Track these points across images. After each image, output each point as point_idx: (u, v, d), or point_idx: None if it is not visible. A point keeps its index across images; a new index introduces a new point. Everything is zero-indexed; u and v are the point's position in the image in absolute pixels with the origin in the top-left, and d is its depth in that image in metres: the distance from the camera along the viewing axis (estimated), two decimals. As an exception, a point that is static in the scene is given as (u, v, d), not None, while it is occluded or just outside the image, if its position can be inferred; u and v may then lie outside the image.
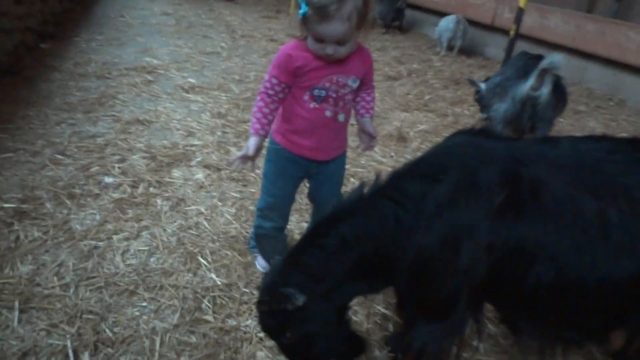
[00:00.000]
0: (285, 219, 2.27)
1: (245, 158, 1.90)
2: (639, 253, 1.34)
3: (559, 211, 1.36)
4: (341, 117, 1.96)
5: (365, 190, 1.52)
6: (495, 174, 1.39)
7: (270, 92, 1.91)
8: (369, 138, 2.05)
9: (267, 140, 2.03)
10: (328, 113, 1.92)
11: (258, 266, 2.29)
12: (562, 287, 1.38)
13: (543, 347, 1.56)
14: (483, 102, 4.43)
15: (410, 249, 1.40)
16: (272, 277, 1.50)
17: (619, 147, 1.51)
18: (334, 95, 1.89)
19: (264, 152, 2.03)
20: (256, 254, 2.32)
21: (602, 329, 1.54)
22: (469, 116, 4.85)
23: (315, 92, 1.87)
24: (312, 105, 1.90)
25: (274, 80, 1.89)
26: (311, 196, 2.26)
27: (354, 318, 2.04)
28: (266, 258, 2.15)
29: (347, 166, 3.31)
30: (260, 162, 2.20)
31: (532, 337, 1.55)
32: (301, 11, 1.72)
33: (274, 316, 1.46)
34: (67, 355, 1.72)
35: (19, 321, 1.82)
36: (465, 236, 1.36)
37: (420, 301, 1.48)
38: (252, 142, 1.89)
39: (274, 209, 2.16)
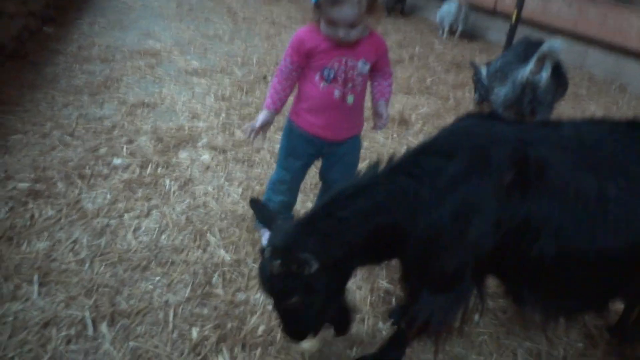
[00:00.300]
0: (294, 196, 2.37)
1: (253, 129, 2.05)
2: (635, 226, 1.44)
3: (562, 188, 1.45)
4: (350, 99, 2.03)
5: (381, 167, 1.59)
6: (504, 154, 1.47)
7: (284, 71, 2.05)
8: (378, 118, 2.13)
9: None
10: (337, 93, 2.01)
11: (264, 242, 2.37)
12: (564, 259, 1.47)
13: (546, 317, 1.65)
14: (480, 85, 4.49)
15: (423, 221, 1.47)
16: (286, 240, 1.51)
17: (617, 127, 1.61)
18: (342, 75, 1.99)
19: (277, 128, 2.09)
20: (264, 231, 2.40)
21: (601, 298, 1.63)
22: (470, 99, 4.90)
23: (325, 72, 1.98)
24: (322, 85, 2.01)
25: (288, 60, 2.03)
26: (322, 175, 2.35)
27: (358, 292, 2.12)
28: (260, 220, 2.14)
29: (350, 148, 3.39)
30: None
31: (535, 308, 1.64)
32: None
33: (285, 279, 1.48)
34: (85, 326, 1.80)
35: (39, 294, 1.90)
36: (475, 211, 1.44)
37: (428, 272, 1.55)
38: (261, 115, 2.06)
39: (284, 182, 2.29)
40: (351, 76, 2.00)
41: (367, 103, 2.15)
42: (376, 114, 2.13)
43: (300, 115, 2.12)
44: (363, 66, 2.00)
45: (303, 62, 2.01)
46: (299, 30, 2.02)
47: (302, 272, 1.44)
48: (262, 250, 1.55)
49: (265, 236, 2.38)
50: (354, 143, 2.24)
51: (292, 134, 2.18)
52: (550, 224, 1.45)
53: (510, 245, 1.48)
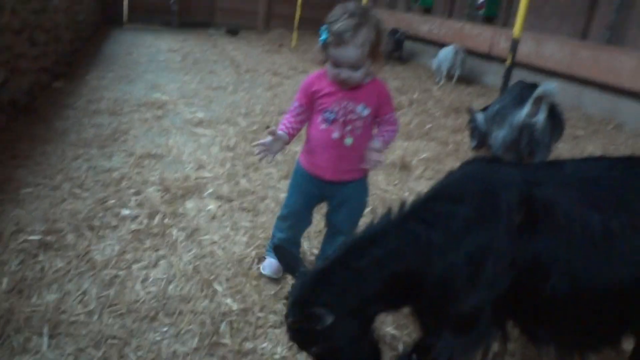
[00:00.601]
0: (295, 235, 2.50)
1: (263, 146, 2.15)
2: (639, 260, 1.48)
3: (569, 226, 1.51)
4: (348, 141, 2.14)
5: (393, 214, 1.65)
6: (512, 195, 1.53)
7: (292, 110, 2.21)
8: (368, 152, 2.14)
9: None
10: (335, 135, 2.14)
11: (262, 269, 2.49)
12: (576, 296, 1.51)
13: (562, 354, 1.66)
14: (477, 131, 4.58)
15: (438, 264, 1.52)
16: (302, 294, 1.57)
17: (616, 164, 1.68)
18: (341, 119, 2.12)
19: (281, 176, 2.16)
20: (266, 257, 2.55)
21: (614, 332, 1.65)
22: (469, 144, 4.99)
23: (326, 114, 2.13)
24: (323, 126, 2.15)
25: (297, 101, 2.20)
26: (327, 219, 2.44)
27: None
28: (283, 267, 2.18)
29: (353, 194, 3.44)
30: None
31: (550, 345, 1.66)
32: (322, 37, 2.00)
33: (302, 333, 1.55)
34: (94, 378, 1.82)
35: (49, 346, 1.92)
36: (489, 253, 1.49)
37: (446, 314, 1.58)
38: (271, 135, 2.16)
39: (287, 219, 2.42)
40: (350, 119, 2.12)
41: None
42: (368, 148, 2.16)
43: (304, 155, 2.30)
44: (362, 110, 2.12)
45: (309, 103, 2.18)
46: (309, 75, 2.22)
47: (316, 327, 1.49)
48: (286, 299, 1.66)
49: (264, 263, 2.51)
50: (358, 187, 2.31)
51: (296, 173, 2.36)
52: (560, 261, 1.50)
53: (522, 284, 1.52)
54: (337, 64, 2.02)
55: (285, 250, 1.81)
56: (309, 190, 2.32)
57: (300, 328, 1.55)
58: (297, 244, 2.56)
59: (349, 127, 2.13)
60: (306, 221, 2.48)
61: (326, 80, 2.13)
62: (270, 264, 2.49)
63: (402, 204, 1.67)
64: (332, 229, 2.42)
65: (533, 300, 1.54)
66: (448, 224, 1.54)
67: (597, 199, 1.54)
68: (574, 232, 1.50)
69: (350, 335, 1.59)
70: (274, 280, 2.46)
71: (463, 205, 1.55)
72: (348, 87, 2.10)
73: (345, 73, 2.01)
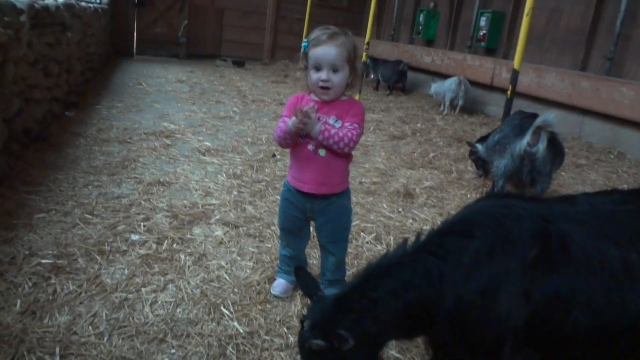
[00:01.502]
0: (296, 251, 2.61)
1: (299, 123, 2.15)
2: None
3: (587, 260, 1.53)
4: (322, 152, 2.26)
5: (408, 246, 1.72)
6: (526, 230, 1.57)
7: (280, 124, 2.30)
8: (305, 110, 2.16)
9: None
10: (310, 147, 2.27)
11: (272, 289, 2.59)
12: (598, 330, 1.52)
13: None
14: (480, 161, 4.68)
15: (450, 298, 1.57)
16: (323, 317, 1.64)
17: (628, 197, 1.73)
18: None
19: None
20: (276, 277, 2.65)
21: None
22: (472, 172, 5.07)
23: None
24: (299, 139, 2.29)
25: (285, 118, 2.30)
26: (317, 239, 2.56)
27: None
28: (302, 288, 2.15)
29: (357, 221, 3.52)
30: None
31: None
32: (303, 45, 2.21)
33: (321, 355, 1.59)
34: (104, 398, 1.86)
35: (60, 367, 1.97)
36: (502, 285, 1.53)
37: (466, 347, 1.63)
38: (290, 121, 2.20)
39: (282, 237, 2.60)
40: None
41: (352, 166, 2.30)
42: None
43: (290, 171, 2.43)
44: (335, 122, 2.25)
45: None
46: (291, 96, 2.41)
47: (341, 348, 1.55)
48: (302, 321, 1.71)
49: (275, 283, 2.61)
50: (340, 205, 2.41)
51: (283, 189, 2.49)
52: (581, 295, 1.51)
53: (544, 319, 1.54)
54: (317, 67, 2.17)
55: (305, 273, 1.90)
56: (293, 212, 2.45)
57: (321, 350, 1.58)
58: (301, 260, 2.65)
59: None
60: (301, 237, 2.58)
61: (306, 99, 2.30)
62: (279, 284, 2.59)
63: (418, 235, 1.74)
64: (322, 249, 2.55)
65: (554, 336, 1.56)
66: (459, 257, 1.59)
67: (613, 234, 1.57)
68: (593, 266, 1.52)
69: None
70: (280, 305, 2.51)
71: (474, 240, 1.60)
72: (329, 97, 2.23)
73: (325, 74, 2.16)
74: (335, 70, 2.17)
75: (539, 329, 1.56)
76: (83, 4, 7.48)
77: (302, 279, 1.88)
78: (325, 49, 2.14)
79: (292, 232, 2.53)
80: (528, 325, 1.54)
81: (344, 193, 2.42)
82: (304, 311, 1.77)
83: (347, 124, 2.24)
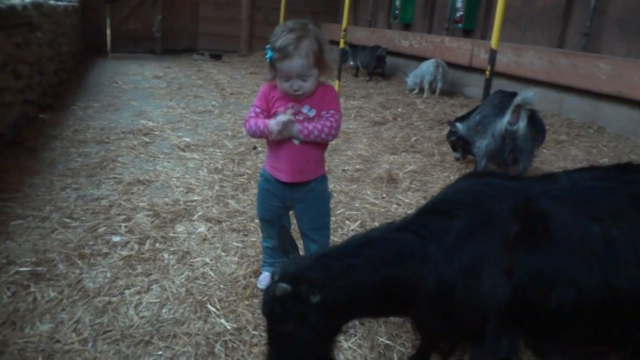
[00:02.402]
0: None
1: (282, 125, 2.14)
2: None
3: (568, 237, 1.54)
4: (296, 141, 2.24)
5: (393, 225, 1.71)
6: (507, 208, 1.57)
7: (252, 115, 2.29)
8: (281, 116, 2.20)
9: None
10: None
11: (258, 283, 2.57)
12: (582, 305, 1.53)
13: None
14: (462, 141, 4.66)
15: (432, 279, 1.55)
16: (295, 269, 1.58)
17: (607, 173, 1.72)
18: None
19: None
20: (262, 271, 2.62)
21: (622, 338, 1.67)
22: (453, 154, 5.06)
23: (276, 116, 2.21)
24: None
25: (257, 109, 2.29)
26: (299, 227, 2.53)
27: (358, 350, 2.15)
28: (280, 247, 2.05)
29: (341, 210, 3.50)
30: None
31: (559, 356, 1.68)
32: (268, 55, 2.13)
33: (286, 304, 1.53)
34: (91, 405, 1.82)
35: (43, 377, 1.92)
36: (484, 264, 1.52)
37: (450, 328, 1.62)
38: (271, 120, 2.17)
39: (262, 228, 2.58)
40: (297, 120, 2.22)
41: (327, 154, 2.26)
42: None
43: (267, 160, 2.41)
44: (308, 111, 2.23)
45: (267, 108, 2.28)
46: (263, 85, 2.35)
47: (305, 298, 1.51)
48: (273, 274, 1.66)
49: (260, 277, 2.59)
50: (318, 191, 2.39)
51: (260, 179, 2.46)
52: (564, 272, 1.52)
53: (528, 297, 1.54)
54: (286, 77, 2.13)
55: (286, 233, 1.85)
56: (273, 194, 2.42)
57: (287, 297, 1.53)
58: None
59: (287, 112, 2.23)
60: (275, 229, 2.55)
61: (276, 90, 2.26)
62: (265, 277, 2.56)
63: (404, 217, 1.73)
64: (304, 237, 2.53)
65: (539, 313, 1.56)
66: (441, 238, 1.57)
67: (593, 210, 1.58)
68: (574, 243, 1.52)
69: (323, 327, 1.60)
70: (267, 298, 2.48)
71: (456, 219, 1.59)
72: (302, 98, 2.20)
73: (296, 84, 2.13)
74: (304, 79, 2.14)
75: (523, 307, 1.55)
76: (52, 2, 7.29)
77: (282, 238, 1.82)
78: (292, 63, 2.08)
79: (272, 223, 2.49)
80: (511, 303, 1.53)
81: (321, 179, 2.41)
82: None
83: (323, 113, 2.24)
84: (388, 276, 1.60)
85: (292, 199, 2.39)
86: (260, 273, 2.64)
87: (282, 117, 2.15)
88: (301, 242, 2.55)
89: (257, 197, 2.51)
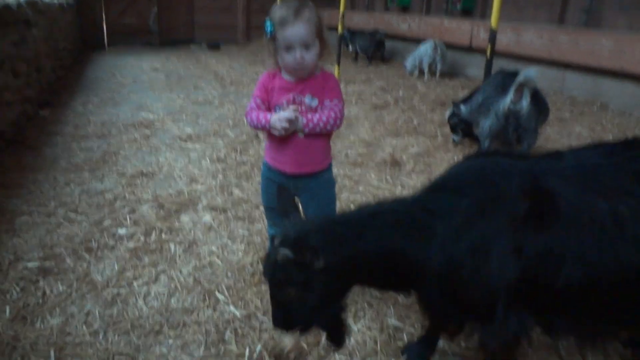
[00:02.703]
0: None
1: (286, 122, 2.09)
2: None
3: (576, 215, 1.52)
4: (301, 134, 2.18)
5: (402, 200, 1.71)
6: (515, 186, 1.56)
7: (254, 106, 2.23)
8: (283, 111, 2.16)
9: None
10: None
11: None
12: (591, 283, 1.52)
13: (582, 342, 1.68)
14: (462, 123, 4.63)
15: (440, 257, 1.55)
16: (299, 232, 1.56)
17: (613, 150, 1.70)
18: None
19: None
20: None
21: (633, 316, 1.66)
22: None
23: (277, 109, 2.18)
24: None
25: (258, 100, 2.23)
26: (304, 215, 2.45)
27: (368, 332, 2.15)
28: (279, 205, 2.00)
29: (345, 194, 3.49)
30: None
31: (569, 335, 1.67)
32: (269, 29, 2.08)
33: (288, 269, 1.52)
34: (104, 396, 1.83)
35: (56, 369, 1.93)
36: (493, 243, 1.51)
37: (459, 307, 1.61)
38: (274, 116, 2.11)
39: (268, 216, 2.51)
40: (300, 111, 2.16)
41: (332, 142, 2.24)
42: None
43: (267, 152, 2.35)
44: (311, 101, 2.17)
45: (267, 98, 2.22)
46: (261, 75, 2.28)
47: (308, 264, 1.49)
48: (273, 238, 1.63)
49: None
50: (324, 180, 2.35)
51: (263, 170, 2.40)
52: (572, 250, 1.51)
53: (536, 276, 1.53)
54: (288, 47, 2.06)
55: (286, 192, 1.82)
56: (276, 183, 2.32)
57: (288, 265, 1.51)
58: None
59: (291, 107, 2.18)
60: (281, 216, 2.51)
61: (278, 78, 2.20)
62: None
63: (414, 193, 1.73)
64: None
65: (548, 291, 1.55)
66: (450, 216, 1.56)
67: (601, 187, 1.56)
68: (583, 220, 1.51)
69: (327, 291, 1.59)
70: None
71: (465, 198, 1.58)
72: (303, 74, 2.14)
73: (299, 53, 2.06)
74: (307, 47, 2.08)
75: (532, 286, 1.55)
76: (46, 0, 7.26)
77: (281, 199, 1.77)
78: (294, 29, 2.03)
79: (271, 210, 2.45)
80: (520, 282, 1.52)
81: (327, 168, 2.38)
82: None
83: (327, 102, 2.19)
84: (394, 248, 1.59)
85: (296, 188, 2.33)
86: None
87: (285, 114, 2.09)
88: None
89: (261, 186, 2.48)
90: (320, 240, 1.53)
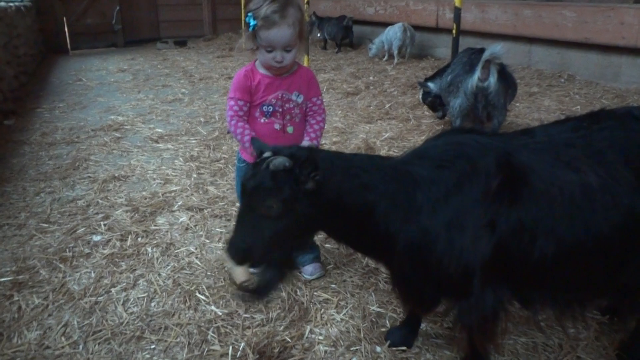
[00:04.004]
0: None
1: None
2: (622, 206, 1.54)
3: (547, 188, 1.56)
4: (290, 129, 2.21)
5: (392, 160, 1.73)
6: (491, 162, 1.58)
7: (240, 113, 2.17)
8: None
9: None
10: (277, 126, 2.21)
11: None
12: (564, 254, 1.56)
13: (559, 312, 1.71)
14: (437, 99, 4.66)
15: (414, 229, 1.57)
16: (290, 148, 1.57)
17: (581, 123, 1.74)
18: (280, 109, 2.18)
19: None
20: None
21: (606, 284, 1.71)
22: (429, 117, 5.06)
23: (264, 108, 2.17)
24: (263, 120, 2.19)
25: (240, 102, 2.16)
26: None
27: (350, 321, 2.16)
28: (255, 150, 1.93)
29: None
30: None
31: (545, 306, 1.71)
32: (252, 24, 2.01)
33: (277, 180, 1.48)
34: (88, 407, 1.80)
35: (36, 384, 1.89)
36: (467, 216, 1.54)
37: (433, 282, 1.63)
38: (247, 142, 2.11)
39: None
40: (288, 109, 2.19)
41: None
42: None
43: (241, 147, 2.29)
44: (297, 97, 2.20)
45: (248, 99, 2.18)
46: (238, 72, 2.20)
47: (302, 180, 1.49)
48: (259, 150, 1.59)
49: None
50: None
51: (240, 171, 2.35)
52: (544, 223, 1.54)
53: (512, 249, 1.56)
54: (270, 48, 2.04)
55: (259, 140, 1.77)
56: None
57: (280, 175, 1.48)
58: None
59: (287, 117, 2.20)
60: None
61: (258, 74, 2.16)
62: None
63: (403, 155, 1.75)
64: None
65: (524, 265, 1.58)
66: (430, 188, 1.58)
67: (571, 160, 1.60)
68: (553, 193, 1.54)
69: (300, 223, 1.58)
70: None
71: (445, 171, 1.60)
72: (281, 72, 2.14)
73: (279, 55, 2.05)
74: (288, 50, 2.07)
75: (507, 260, 1.57)
76: (2, 4, 7.04)
77: (256, 143, 1.71)
78: (279, 32, 1.99)
79: None
80: (495, 256, 1.54)
81: None
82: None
83: (314, 99, 2.26)
84: (377, 203, 1.60)
85: None
86: None
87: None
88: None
89: (237, 184, 2.45)
90: (321, 161, 1.53)
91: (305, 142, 2.19)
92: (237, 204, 3.20)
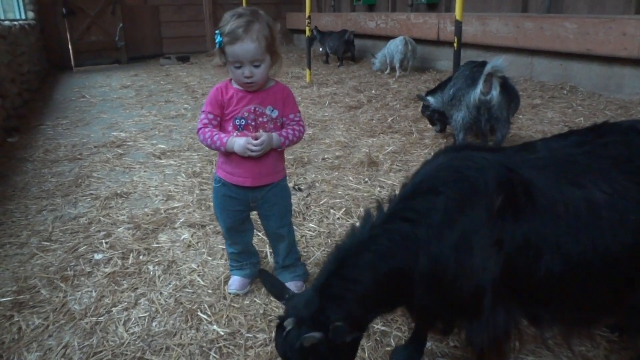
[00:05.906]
0: (244, 246, 2.53)
1: (263, 145, 2.12)
2: (629, 223, 1.51)
3: (551, 205, 1.52)
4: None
5: (374, 218, 1.65)
6: (490, 179, 1.54)
7: (206, 122, 2.18)
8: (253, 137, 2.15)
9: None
10: None
11: (228, 288, 2.50)
12: (571, 272, 1.52)
13: (566, 331, 1.68)
14: (435, 114, 4.66)
15: (425, 259, 1.53)
16: (309, 311, 1.55)
17: (584, 138, 1.70)
18: (252, 123, 2.17)
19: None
20: (231, 275, 2.56)
21: (614, 303, 1.66)
22: (432, 130, 5.04)
23: (237, 121, 2.16)
24: (235, 133, 2.16)
25: (210, 116, 2.18)
26: (264, 229, 2.52)
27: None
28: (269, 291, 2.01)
29: (324, 199, 3.46)
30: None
31: (552, 325, 1.67)
32: (217, 40, 2.04)
33: (314, 351, 1.50)
34: None
35: (36, 408, 1.86)
36: (474, 237, 1.50)
37: (447, 306, 1.60)
38: (236, 141, 2.12)
39: (226, 236, 2.49)
40: (261, 122, 2.17)
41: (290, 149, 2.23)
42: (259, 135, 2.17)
43: (221, 167, 2.29)
44: (271, 112, 2.19)
45: (221, 114, 2.18)
46: (213, 88, 2.23)
47: (335, 339, 1.48)
48: (281, 322, 1.58)
49: (232, 285, 2.49)
50: (280, 188, 2.36)
51: (218, 194, 2.35)
52: (549, 240, 1.50)
53: (518, 267, 1.52)
54: (238, 64, 2.05)
55: (268, 275, 1.81)
56: (234, 207, 2.35)
57: (315, 344, 1.49)
58: (253, 253, 2.59)
59: (260, 131, 2.17)
60: (246, 231, 2.50)
61: (232, 89, 2.17)
62: (235, 281, 2.51)
63: (379, 205, 1.68)
64: (272, 236, 2.49)
65: (530, 282, 1.54)
66: (429, 217, 1.54)
67: (574, 176, 1.56)
68: (558, 210, 1.51)
69: (353, 347, 1.64)
70: (258, 299, 2.44)
71: (441, 196, 1.56)
72: (254, 88, 2.14)
73: (248, 70, 2.05)
74: (256, 65, 2.07)
75: (514, 278, 1.54)
76: (7, 23, 7.10)
77: (267, 282, 1.78)
78: (242, 47, 2.00)
79: (236, 229, 2.44)
80: (504, 275, 1.51)
81: (284, 176, 2.40)
82: (280, 312, 1.68)
83: (291, 115, 2.24)
84: (388, 270, 1.57)
85: (255, 200, 2.33)
86: (230, 277, 2.58)
87: (263, 137, 2.10)
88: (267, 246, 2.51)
89: (215, 205, 2.40)
90: (334, 311, 1.53)
91: (274, 136, 2.16)
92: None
